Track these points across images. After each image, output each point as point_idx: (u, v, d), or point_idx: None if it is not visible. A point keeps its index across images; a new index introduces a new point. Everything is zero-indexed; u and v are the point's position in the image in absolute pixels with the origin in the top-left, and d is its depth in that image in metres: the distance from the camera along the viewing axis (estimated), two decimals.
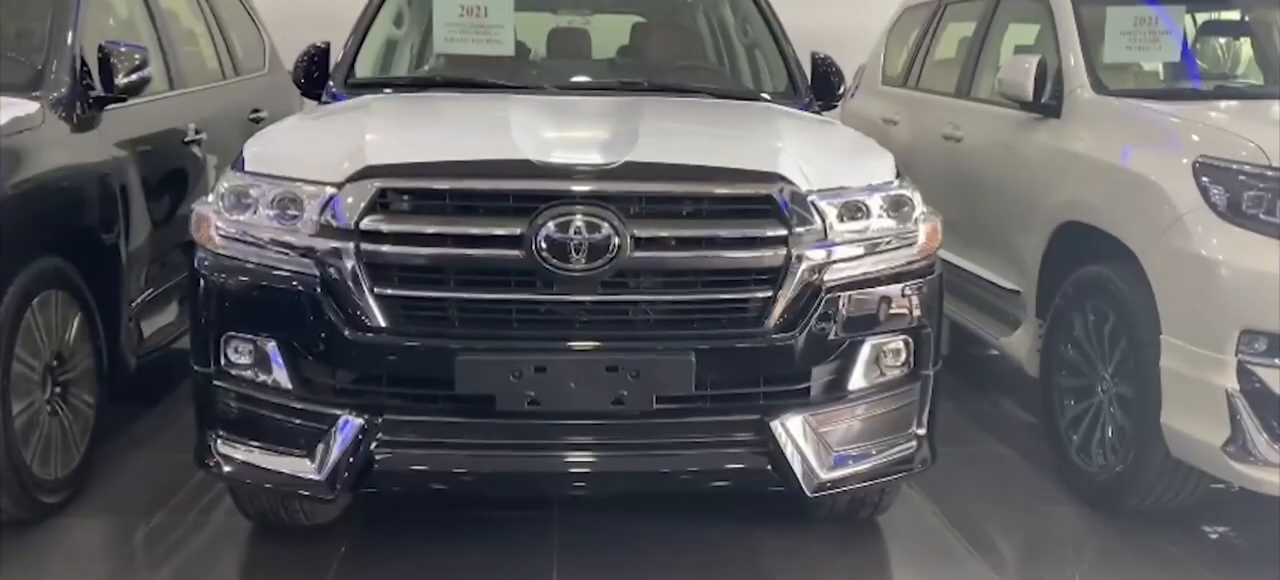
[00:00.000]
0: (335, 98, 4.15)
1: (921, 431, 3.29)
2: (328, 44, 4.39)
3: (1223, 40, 5.27)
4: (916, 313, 3.22)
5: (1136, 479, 3.72)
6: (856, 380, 3.15)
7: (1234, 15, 5.00)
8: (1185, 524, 3.80)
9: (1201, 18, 4.93)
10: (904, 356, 3.23)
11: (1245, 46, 5.24)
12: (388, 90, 4.25)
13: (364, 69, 4.35)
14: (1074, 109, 4.31)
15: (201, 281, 3.20)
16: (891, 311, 3.18)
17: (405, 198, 3.05)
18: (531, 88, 4.16)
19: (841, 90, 4.38)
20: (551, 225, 2.94)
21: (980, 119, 4.99)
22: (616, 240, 2.95)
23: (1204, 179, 3.52)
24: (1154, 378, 3.57)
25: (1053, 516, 3.94)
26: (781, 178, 3.09)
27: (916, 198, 3.31)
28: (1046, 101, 4.39)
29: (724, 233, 3.03)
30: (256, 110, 5.85)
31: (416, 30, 4.73)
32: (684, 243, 3.01)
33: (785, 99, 4.24)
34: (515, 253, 2.96)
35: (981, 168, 4.84)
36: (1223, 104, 4.39)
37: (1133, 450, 3.72)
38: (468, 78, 4.20)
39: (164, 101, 4.88)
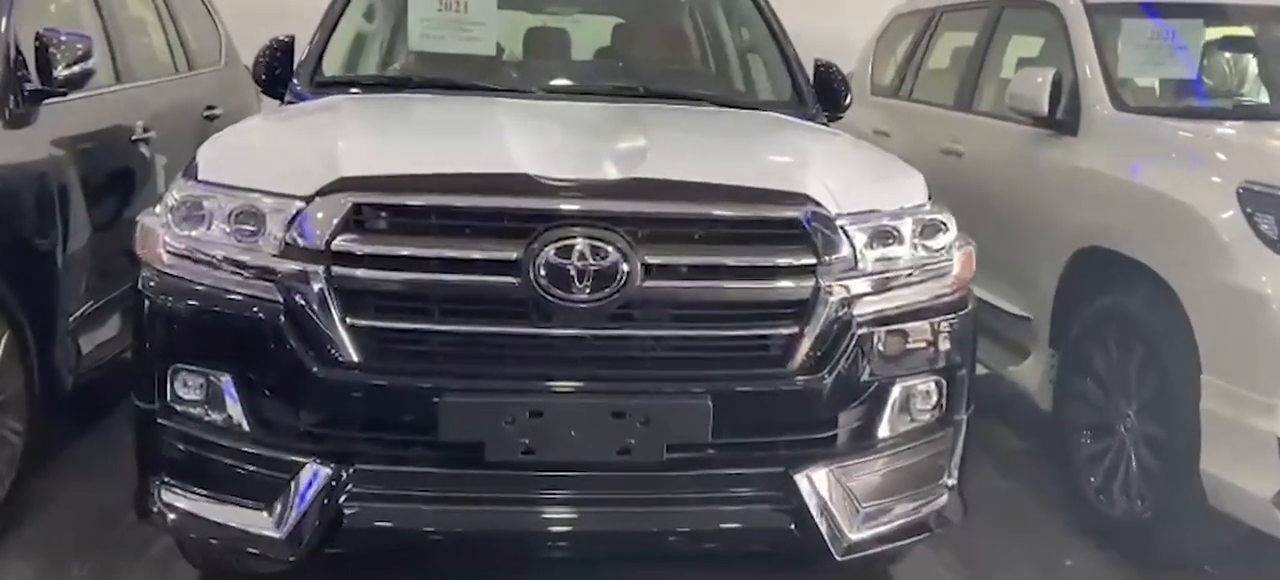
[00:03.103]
0: (300, 97, 3.68)
1: (953, 482, 2.90)
2: (292, 38, 3.91)
3: (1229, 56, 4.96)
4: (950, 351, 2.83)
5: (1167, 527, 3.37)
6: (886, 427, 2.75)
7: (1247, 31, 4.68)
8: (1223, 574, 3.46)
9: (1215, 32, 4.61)
10: (935, 399, 2.84)
11: (1251, 62, 4.94)
12: (358, 90, 3.79)
13: (332, 66, 3.88)
14: (1092, 126, 3.96)
15: (146, 305, 2.74)
16: (924, 350, 2.79)
17: (383, 215, 2.61)
18: (518, 91, 3.71)
19: (848, 100, 3.99)
20: (551, 249, 2.52)
21: (984, 133, 4.64)
22: (625, 267, 2.53)
23: (1249, 207, 3.18)
24: (1190, 420, 3.22)
25: (1075, 564, 3.58)
26: (808, 199, 2.69)
27: (950, 222, 2.93)
28: (1061, 117, 4.04)
29: (746, 260, 2.62)
30: (211, 107, 5.35)
31: (389, 25, 4.26)
32: (701, 271, 2.60)
33: (790, 109, 3.83)
34: (509, 280, 2.53)
35: (986, 185, 4.47)
36: (1253, 124, 4.03)
37: (1163, 496, 3.37)
38: (447, 79, 3.74)
39: (109, 96, 4.38)
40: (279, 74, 3.83)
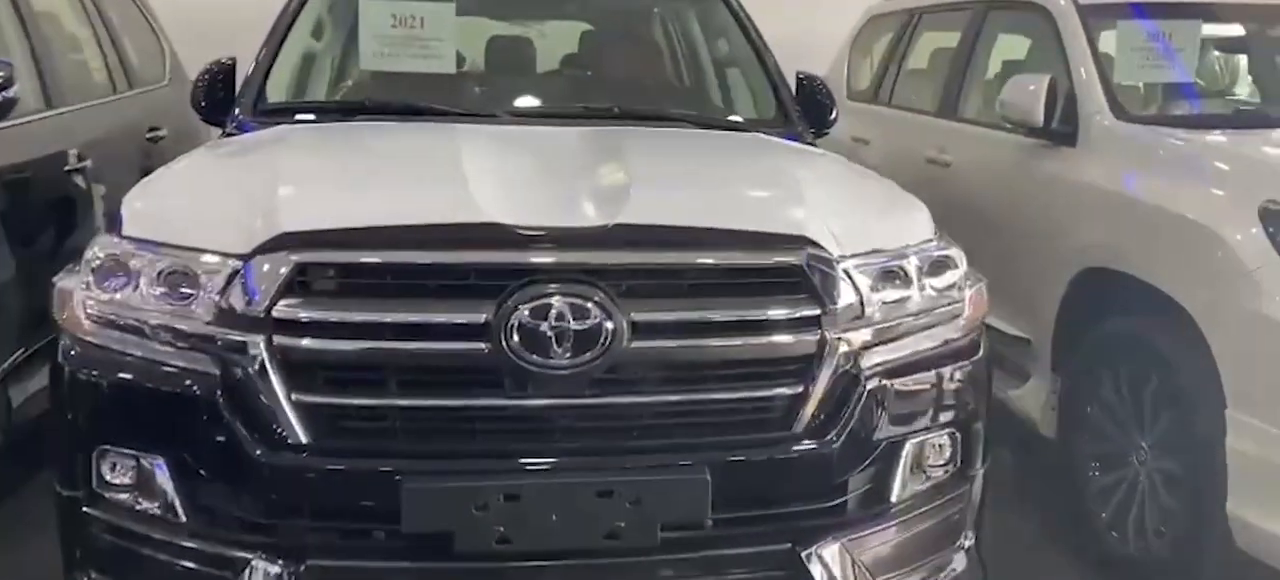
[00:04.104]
0: (242, 127, 3.30)
1: (970, 543, 2.61)
2: (233, 60, 3.54)
3: (1219, 56, 4.70)
4: (965, 401, 2.54)
5: (1189, 569, 3.10)
6: (898, 489, 2.45)
7: (1240, 31, 4.42)
8: None
9: (1211, 32, 4.34)
10: (949, 453, 2.54)
11: (1242, 62, 4.69)
12: (308, 116, 3.43)
13: (277, 91, 3.50)
14: (1092, 137, 3.67)
15: (66, 376, 2.38)
16: (937, 401, 2.49)
17: (331, 275, 2.26)
18: (482, 115, 3.35)
19: (833, 116, 3.68)
20: (525, 310, 2.19)
21: (972, 143, 4.35)
22: (609, 326, 2.20)
23: (1273, 228, 2.91)
24: (1214, 458, 2.95)
25: None
26: (809, 241, 2.37)
27: (960, 257, 2.63)
28: (1058, 128, 3.75)
29: (744, 314, 2.29)
30: (154, 129, 4.94)
31: (339, 43, 3.89)
32: (693, 328, 2.27)
33: (774, 127, 3.51)
34: (478, 346, 2.20)
35: (976, 198, 4.18)
36: (1268, 133, 3.74)
37: (1184, 535, 3.10)
38: (403, 103, 3.38)
39: (38, 124, 3.98)
40: (221, 98, 3.47)
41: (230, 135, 3.29)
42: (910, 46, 5.20)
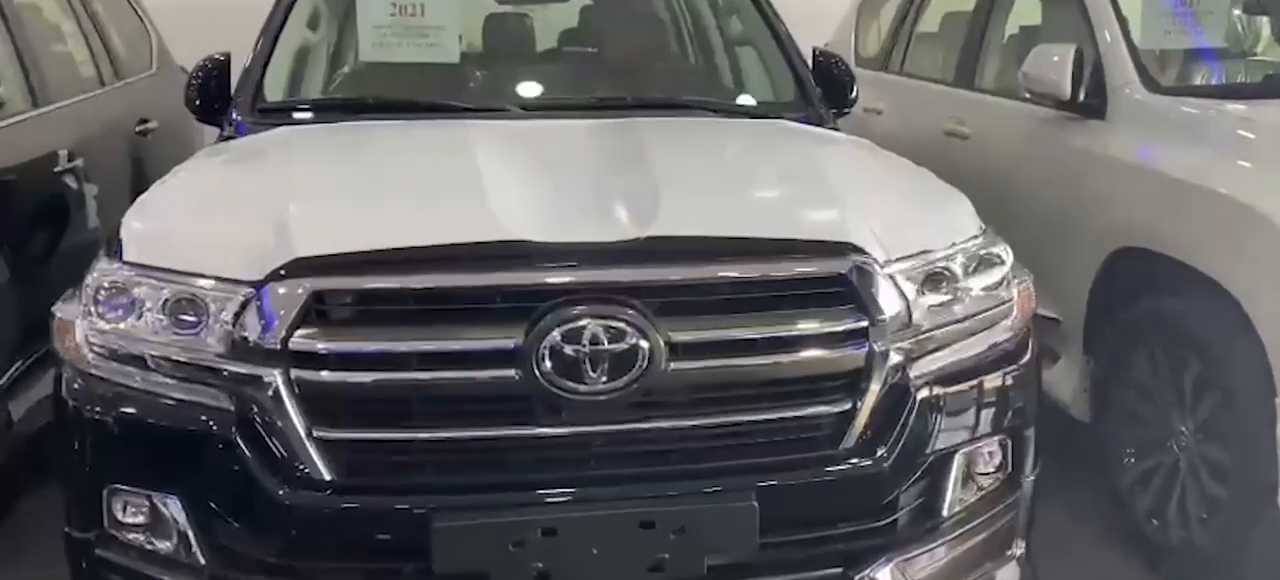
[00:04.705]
0: (239, 128, 3.13)
1: (1020, 552, 2.49)
2: (226, 56, 3.36)
3: (1241, 15, 4.53)
4: (1016, 406, 2.41)
5: (1237, 561, 2.99)
6: (949, 502, 2.32)
7: None
8: None
9: None
10: (1000, 461, 2.42)
11: (1264, 24, 4.53)
12: (306, 111, 3.26)
13: (275, 89, 3.32)
14: (1122, 110, 3.51)
15: (70, 412, 2.24)
16: (988, 408, 2.36)
17: (350, 302, 2.12)
18: (491, 109, 3.18)
19: (854, 94, 3.52)
20: (557, 333, 2.04)
21: (992, 114, 4.19)
22: (645, 347, 2.06)
23: None
24: (1264, 449, 2.83)
25: None
26: (854, 248, 2.23)
27: (1007, 253, 2.49)
28: (1085, 100, 3.59)
29: (788, 329, 2.15)
30: (144, 121, 4.76)
31: (338, 33, 3.70)
32: (735, 346, 2.13)
33: (794, 110, 3.34)
34: (508, 373, 2.06)
35: (998, 172, 4.02)
36: None
37: (1230, 525, 2.99)
38: (407, 98, 3.20)
39: (24, 125, 3.80)
40: (216, 97, 3.29)
41: (227, 139, 3.11)
42: (922, 9, 5.01)
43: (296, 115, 3.22)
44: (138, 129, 4.71)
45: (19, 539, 3.44)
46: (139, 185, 4.61)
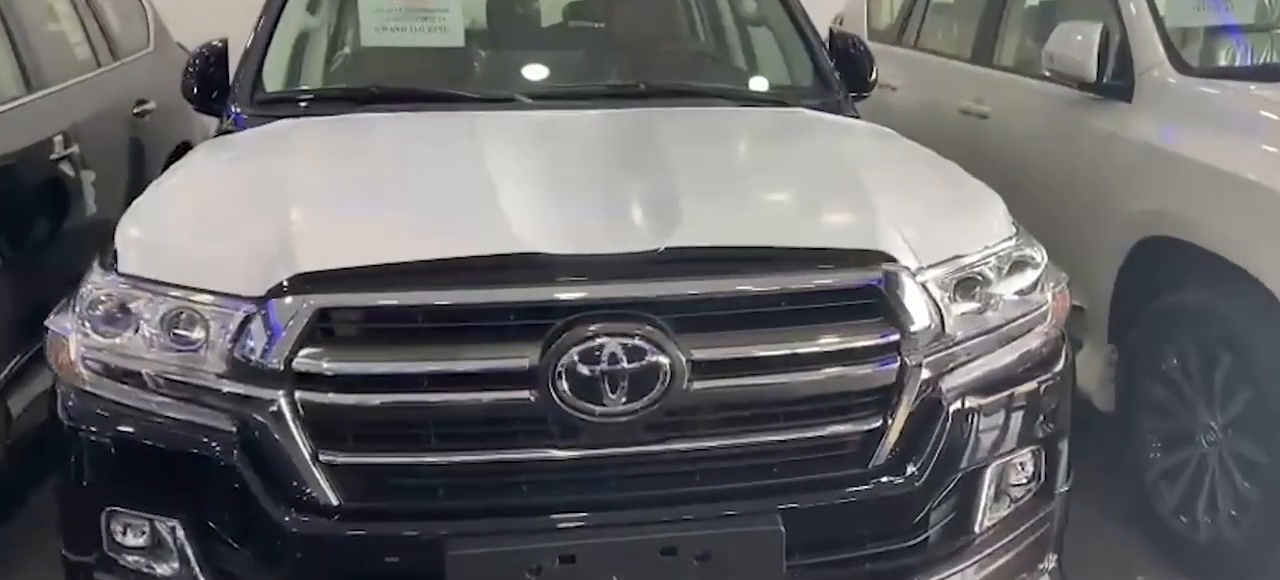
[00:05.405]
0: (238, 120, 2.99)
1: (1053, 564, 2.38)
2: (224, 42, 3.22)
3: None
4: (1050, 414, 2.29)
5: (1268, 558, 2.89)
6: (981, 518, 2.21)
7: None
8: None
9: None
10: (1032, 471, 2.31)
11: None
12: (309, 106, 3.12)
13: (274, 79, 3.17)
14: (1150, 93, 3.37)
15: (67, 431, 2.13)
16: (1022, 419, 2.25)
17: (356, 319, 2.00)
18: (499, 100, 3.03)
19: (873, 77, 3.38)
20: (575, 351, 1.93)
21: (1012, 93, 4.04)
22: (666, 365, 1.95)
23: None
24: None
25: None
26: (885, 256, 2.11)
27: (1041, 255, 2.37)
28: (1110, 82, 3.45)
29: (815, 345, 2.03)
30: (142, 102, 4.62)
31: (339, 18, 3.54)
32: (761, 363, 2.02)
33: (813, 96, 3.20)
34: (524, 394, 1.94)
35: (1018, 154, 3.89)
36: None
37: (1263, 526, 2.89)
38: (412, 88, 3.06)
39: (17, 111, 3.66)
40: (214, 86, 3.15)
41: (226, 133, 2.97)
42: None
43: (295, 106, 3.07)
44: (135, 111, 4.57)
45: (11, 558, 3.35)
46: (138, 170, 4.49)
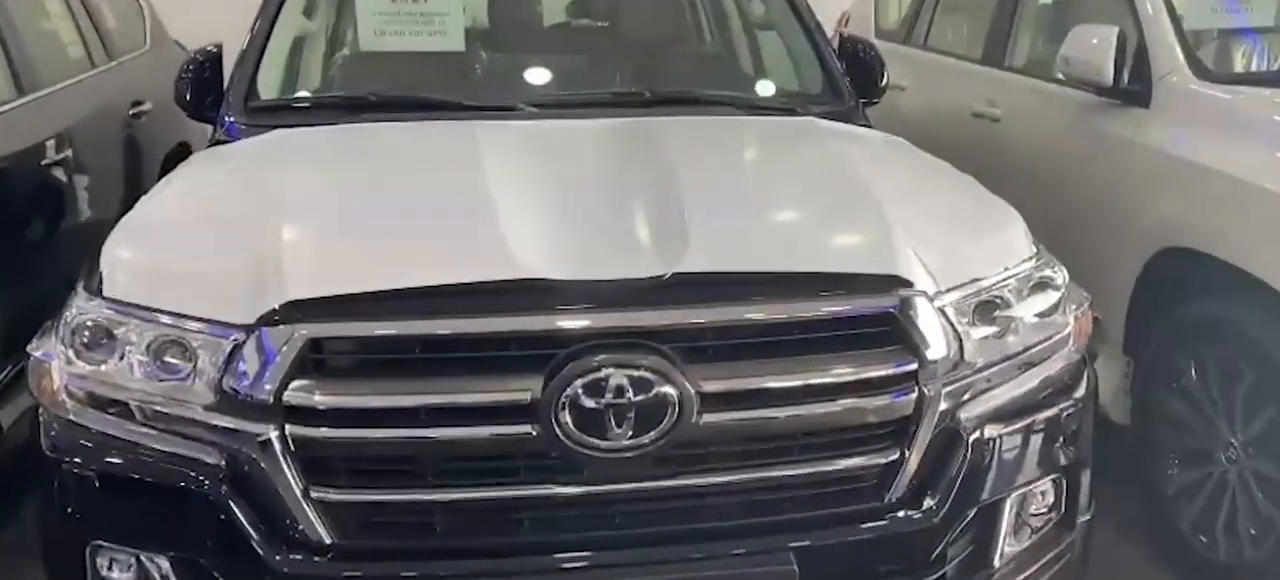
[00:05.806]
0: (231, 130, 2.89)
1: None
2: (219, 47, 3.11)
3: None
4: (1072, 441, 2.20)
5: None
6: (1001, 550, 2.13)
7: None
8: None
9: None
10: (1053, 501, 2.22)
11: None
12: (303, 110, 3.01)
13: (269, 86, 3.06)
14: (1168, 99, 3.26)
15: (50, 461, 2.04)
16: (1042, 446, 2.16)
17: (349, 350, 1.90)
18: (500, 108, 2.92)
19: (884, 82, 3.27)
20: (579, 384, 1.83)
21: (1024, 96, 3.93)
22: (674, 397, 1.85)
23: None
24: None
25: None
26: (902, 281, 2.01)
27: (1062, 275, 2.27)
28: (1127, 87, 3.34)
29: (829, 376, 1.94)
30: (138, 103, 4.51)
31: (335, 21, 3.43)
32: (773, 396, 1.92)
33: (823, 104, 3.10)
34: (525, 429, 1.85)
35: (1030, 159, 3.78)
36: None
37: None
38: (410, 96, 2.95)
39: (7, 116, 3.56)
40: (207, 90, 3.05)
41: (219, 143, 2.87)
42: None
43: (291, 115, 2.97)
44: (131, 112, 4.46)
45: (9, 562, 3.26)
46: (133, 174, 4.39)
